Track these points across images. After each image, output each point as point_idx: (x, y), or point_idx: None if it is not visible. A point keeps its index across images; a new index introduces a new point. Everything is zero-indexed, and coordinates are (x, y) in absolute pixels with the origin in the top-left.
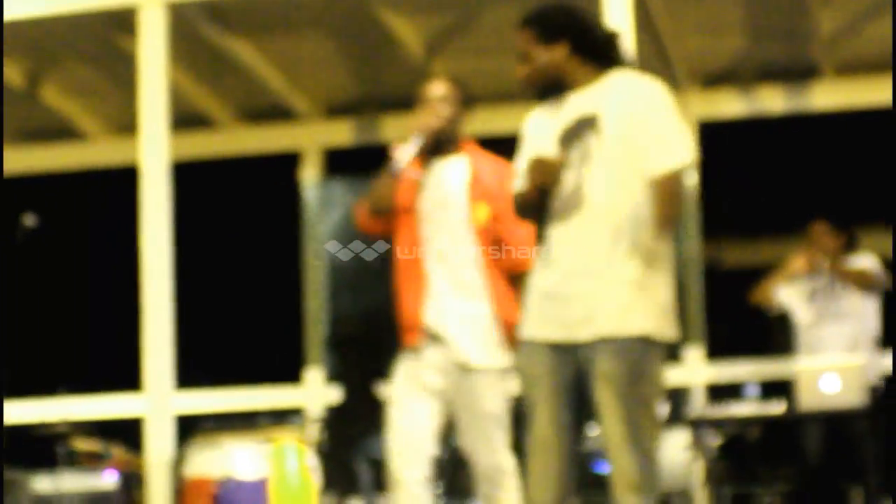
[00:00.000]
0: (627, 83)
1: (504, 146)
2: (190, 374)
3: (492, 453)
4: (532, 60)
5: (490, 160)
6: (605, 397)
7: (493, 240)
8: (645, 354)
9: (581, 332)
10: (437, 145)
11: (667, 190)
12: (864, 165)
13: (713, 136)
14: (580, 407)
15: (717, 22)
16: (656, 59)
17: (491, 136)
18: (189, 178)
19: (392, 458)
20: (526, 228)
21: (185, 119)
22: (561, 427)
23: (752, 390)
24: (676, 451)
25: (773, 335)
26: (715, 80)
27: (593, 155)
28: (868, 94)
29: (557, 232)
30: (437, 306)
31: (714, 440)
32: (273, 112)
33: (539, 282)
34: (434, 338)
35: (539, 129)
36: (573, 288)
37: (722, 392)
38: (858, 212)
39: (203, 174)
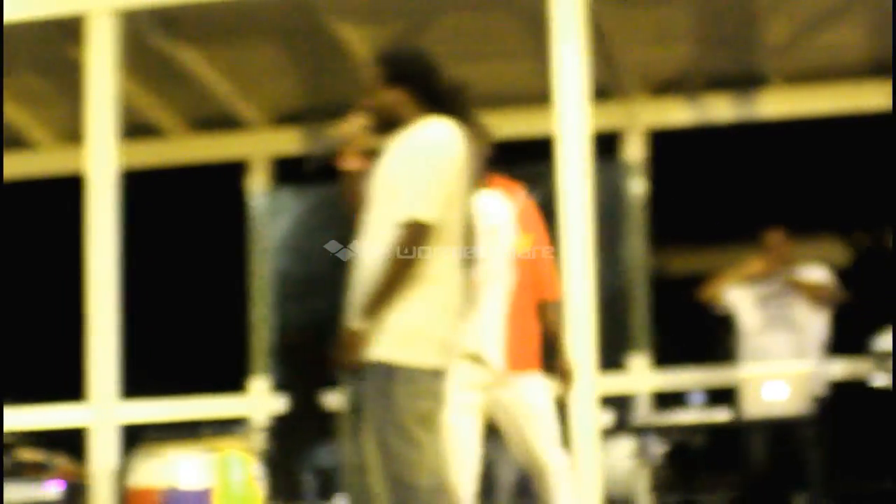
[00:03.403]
0: (419, 130)
1: None
2: (135, 383)
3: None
4: (374, 97)
5: (522, 194)
6: (366, 424)
7: (526, 272)
8: (387, 380)
9: None
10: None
11: (402, 236)
12: (811, 174)
13: (662, 144)
14: None
15: (665, 30)
16: (605, 68)
17: None
18: (137, 186)
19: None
20: (552, 262)
21: (133, 127)
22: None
23: (698, 398)
24: (621, 459)
25: (719, 342)
26: (664, 88)
27: (372, 196)
28: (816, 102)
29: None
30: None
31: (659, 448)
32: (221, 121)
33: None
34: (472, 357)
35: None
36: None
37: (667, 400)
38: (805, 220)
39: (151, 183)
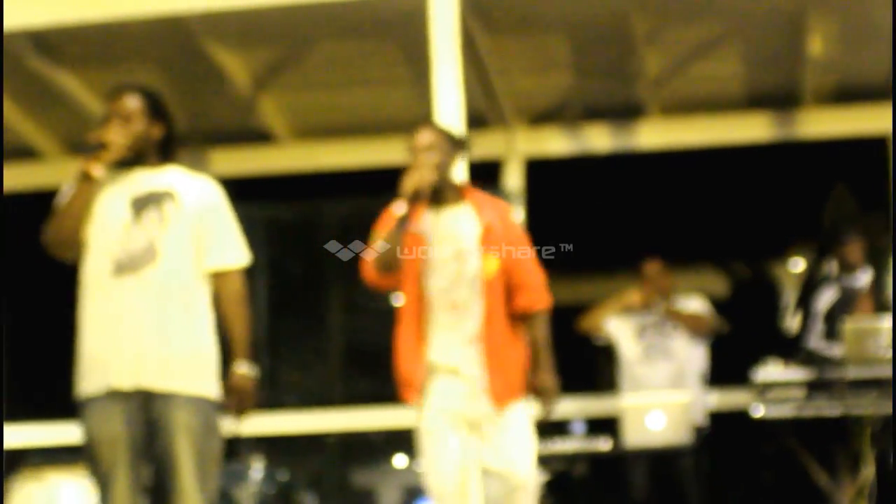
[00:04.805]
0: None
1: (332, 180)
2: (15, 407)
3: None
4: (133, 124)
5: (493, 205)
6: None
7: (503, 287)
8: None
9: None
10: (436, 195)
11: None
12: (688, 204)
13: (539, 173)
14: None
15: (544, 60)
16: (483, 96)
17: (319, 170)
18: (16, 208)
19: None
20: (537, 271)
21: (9, 150)
22: None
23: (579, 427)
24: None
25: (598, 371)
26: (541, 117)
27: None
28: (693, 133)
29: None
30: (446, 351)
31: (541, 477)
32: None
33: None
34: (451, 371)
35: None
36: None
37: (548, 429)
38: (683, 250)
39: (29, 205)
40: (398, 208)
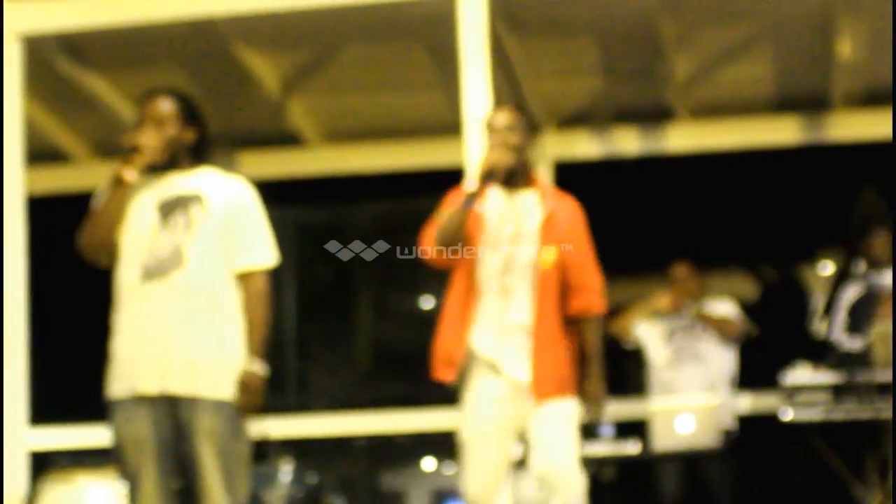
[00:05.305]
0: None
1: (361, 183)
2: (44, 409)
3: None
4: (166, 128)
5: (561, 198)
6: None
7: (559, 283)
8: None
9: None
10: (507, 177)
11: None
12: (718, 208)
13: (568, 176)
14: None
15: (573, 64)
16: (512, 99)
17: (348, 173)
18: (46, 212)
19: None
20: (596, 273)
21: (39, 153)
22: None
23: (607, 430)
24: (531, 492)
25: (627, 375)
26: (570, 120)
27: None
28: (722, 136)
29: None
30: (489, 340)
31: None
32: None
33: None
34: (490, 367)
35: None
36: None
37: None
38: (713, 254)
39: (59, 208)
40: (468, 185)
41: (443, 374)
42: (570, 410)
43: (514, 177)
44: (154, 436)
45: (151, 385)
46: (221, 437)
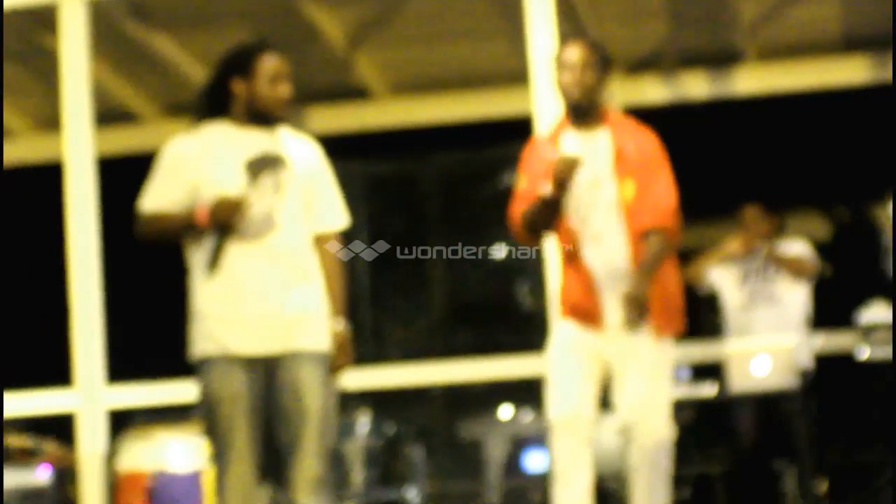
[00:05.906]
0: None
1: (429, 134)
2: (121, 367)
3: None
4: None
5: (631, 128)
6: None
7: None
8: None
9: None
10: (580, 117)
11: None
12: (788, 149)
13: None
14: None
15: (638, 9)
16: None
17: (416, 125)
18: (114, 172)
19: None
20: (668, 194)
21: (108, 114)
22: None
23: (684, 373)
24: (610, 436)
25: (703, 318)
26: (638, 66)
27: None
28: (790, 78)
29: None
30: (595, 292)
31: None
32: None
33: None
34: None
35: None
36: None
37: None
38: (784, 195)
39: (128, 169)
40: (543, 188)
41: (574, 317)
42: (667, 354)
43: (587, 116)
44: (248, 393)
45: (248, 346)
46: (321, 389)
